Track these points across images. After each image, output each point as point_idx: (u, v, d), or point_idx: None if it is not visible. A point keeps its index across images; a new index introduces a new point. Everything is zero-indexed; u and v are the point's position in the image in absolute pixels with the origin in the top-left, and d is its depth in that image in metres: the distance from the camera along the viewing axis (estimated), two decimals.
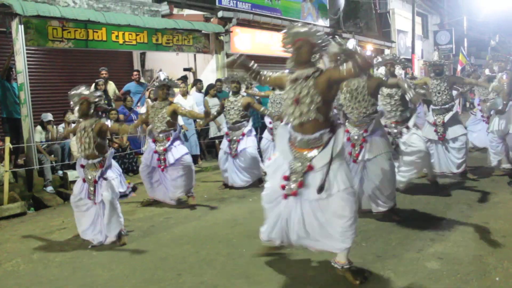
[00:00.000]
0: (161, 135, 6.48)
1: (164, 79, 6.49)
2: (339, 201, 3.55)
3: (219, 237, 5.11)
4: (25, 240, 5.55)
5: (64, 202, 7.53)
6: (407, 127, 6.19)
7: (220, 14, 11.72)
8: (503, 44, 33.35)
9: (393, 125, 6.27)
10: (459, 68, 15.52)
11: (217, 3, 11.87)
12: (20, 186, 7.70)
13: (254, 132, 7.77)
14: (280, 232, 3.88)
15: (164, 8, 11.11)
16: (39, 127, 8.26)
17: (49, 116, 8.30)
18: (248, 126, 7.56)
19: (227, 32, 11.89)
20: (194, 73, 11.60)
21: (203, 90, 10.66)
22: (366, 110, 5.26)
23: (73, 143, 7.99)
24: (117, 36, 9.74)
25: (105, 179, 5.07)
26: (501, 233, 4.73)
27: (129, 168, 9.08)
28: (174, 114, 6.47)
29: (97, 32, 9.38)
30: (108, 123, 5.60)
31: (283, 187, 3.73)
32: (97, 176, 5.09)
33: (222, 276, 4.04)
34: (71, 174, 8.00)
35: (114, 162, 5.40)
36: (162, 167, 6.46)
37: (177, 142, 6.53)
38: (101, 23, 9.14)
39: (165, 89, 6.50)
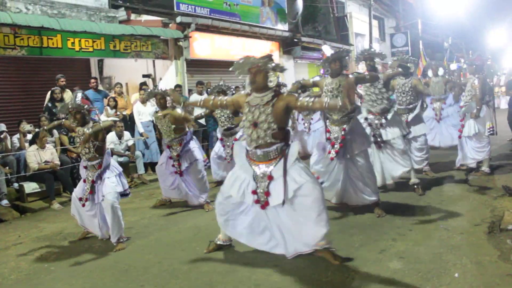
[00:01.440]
0: (173, 142, 6.60)
1: (159, 88, 6.62)
2: (304, 196, 3.87)
3: (182, 245, 5.03)
4: None
5: (21, 216, 7.27)
6: (386, 118, 6.33)
7: (178, 19, 11.62)
8: (455, 46, 34.51)
9: (374, 116, 6.42)
10: (421, 67, 15.84)
11: (175, 9, 11.79)
12: None
13: None
14: (251, 238, 4.27)
15: (122, 14, 10.92)
16: None
17: (2, 127, 7.98)
18: (240, 131, 7.65)
19: (186, 37, 11.81)
20: (154, 80, 11.45)
21: None
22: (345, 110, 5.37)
23: (29, 154, 7.73)
24: (73, 43, 9.52)
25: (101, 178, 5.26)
26: (459, 230, 4.85)
27: None
28: (177, 120, 6.51)
29: (51, 39, 9.16)
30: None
31: (257, 202, 4.03)
32: (95, 176, 5.26)
33: (185, 286, 3.97)
34: (28, 186, 7.74)
35: (113, 162, 5.53)
36: (178, 172, 6.58)
37: (190, 145, 6.65)
38: (56, 29, 8.91)
39: (161, 98, 6.50)
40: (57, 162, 7.92)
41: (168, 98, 6.47)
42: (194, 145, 6.74)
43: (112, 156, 8.54)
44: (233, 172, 4.29)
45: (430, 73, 9.38)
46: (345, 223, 5.36)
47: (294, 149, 3.97)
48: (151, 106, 9.72)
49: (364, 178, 5.52)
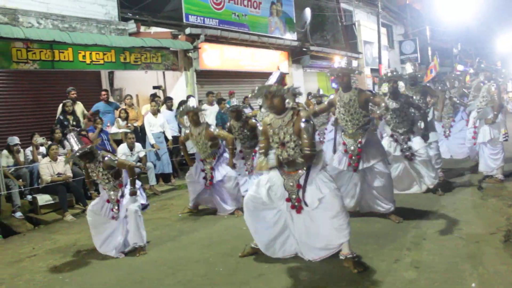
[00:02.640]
0: (208, 156, 6.76)
1: (193, 106, 6.63)
2: (327, 204, 4.14)
3: (195, 257, 5.03)
4: None
5: (34, 228, 7.31)
6: (413, 132, 6.62)
7: (187, 31, 11.71)
8: (465, 52, 34.42)
9: (399, 133, 6.68)
10: (433, 73, 15.72)
11: (184, 20, 11.87)
12: None
13: None
14: (280, 243, 4.57)
15: (131, 26, 11.02)
16: (5, 151, 8.00)
17: (15, 140, 8.06)
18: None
19: (195, 48, 11.87)
20: (164, 91, 11.51)
21: (174, 108, 10.58)
22: (359, 122, 5.56)
23: (42, 167, 7.79)
24: (84, 56, 9.62)
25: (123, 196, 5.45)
26: (474, 238, 4.80)
27: None
28: (213, 136, 6.63)
29: (63, 52, 9.26)
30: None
31: (293, 207, 4.33)
32: (119, 195, 5.43)
33: None
34: (41, 199, 7.79)
35: None
36: (208, 183, 6.75)
37: (222, 159, 6.82)
38: (67, 43, 8.99)
39: (193, 115, 6.57)
40: (70, 174, 7.97)
41: (200, 114, 6.63)
42: (227, 157, 6.86)
43: None
44: (269, 175, 4.48)
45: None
46: (358, 232, 5.29)
47: (320, 158, 4.25)
48: (162, 117, 9.79)
49: (381, 186, 5.61)
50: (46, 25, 9.47)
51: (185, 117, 6.70)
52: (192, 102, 6.54)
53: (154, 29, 11.77)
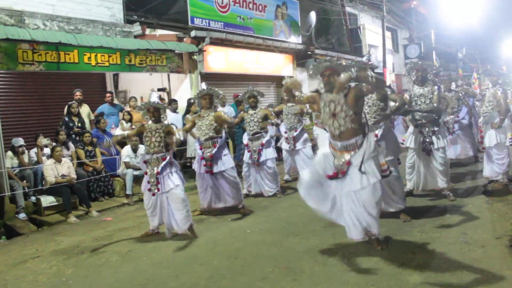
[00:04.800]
0: (208, 142, 6.88)
1: (203, 89, 7.01)
2: (369, 194, 4.45)
3: (199, 259, 5.02)
4: None
5: (38, 229, 7.32)
6: (438, 124, 6.56)
7: (193, 33, 11.72)
8: (470, 56, 34.29)
9: (424, 120, 6.58)
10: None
11: (189, 23, 11.88)
12: None
13: (272, 143, 8.30)
14: (329, 206, 4.80)
15: (137, 28, 11.04)
16: (9, 153, 8.02)
17: (20, 141, 8.08)
18: (267, 136, 8.01)
19: (201, 51, 11.88)
20: (169, 93, 11.53)
21: (178, 110, 10.59)
22: (377, 115, 5.65)
23: (46, 168, 7.80)
24: (89, 58, 9.64)
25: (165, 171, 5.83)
26: (480, 243, 4.76)
27: (105, 191, 8.91)
28: (220, 120, 6.84)
29: (68, 54, 9.28)
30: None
31: (335, 175, 4.60)
32: (160, 168, 5.82)
33: None
34: (45, 200, 7.80)
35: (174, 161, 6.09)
36: (209, 171, 6.86)
37: (224, 152, 6.97)
38: (73, 45, 9.02)
39: (208, 98, 6.88)
40: (74, 175, 7.98)
41: (214, 98, 6.95)
42: (227, 152, 7.04)
43: (127, 169, 8.66)
44: (323, 153, 4.81)
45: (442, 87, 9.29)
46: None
47: (371, 140, 4.52)
48: (168, 119, 9.79)
49: (391, 186, 5.64)
50: (52, 27, 9.49)
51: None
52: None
53: (159, 32, 11.80)
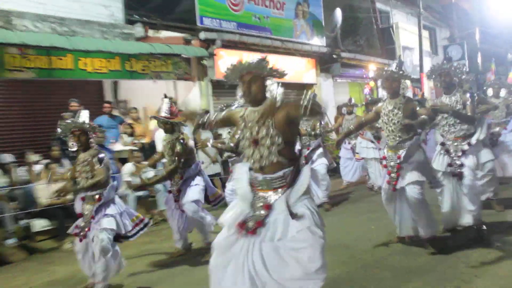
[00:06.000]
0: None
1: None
2: (300, 243, 3.44)
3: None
4: None
5: (29, 257, 7.46)
6: (469, 144, 6.10)
7: (202, 35, 11.87)
8: None
9: (452, 141, 6.21)
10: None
11: (198, 23, 12.01)
12: None
13: None
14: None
15: (138, 30, 11.19)
16: None
17: (8, 158, 8.27)
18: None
19: (211, 55, 12.01)
20: (175, 103, 11.65)
21: (187, 123, 10.69)
22: (402, 134, 5.59)
23: (39, 188, 7.96)
24: (85, 64, 9.80)
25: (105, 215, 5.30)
26: None
27: None
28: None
29: (61, 59, 9.42)
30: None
31: (241, 226, 3.59)
32: (94, 210, 5.30)
33: None
34: (37, 224, 7.94)
35: (117, 199, 5.61)
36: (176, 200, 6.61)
37: (193, 182, 6.58)
38: (67, 49, 9.18)
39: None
40: (69, 196, 8.10)
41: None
42: (198, 183, 6.58)
43: (129, 189, 8.78)
44: (234, 206, 3.86)
45: (490, 91, 9.32)
46: (398, 267, 5.32)
47: (305, 176, 3.63)
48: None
49: (415, 212, 5.66)
50: (43, 29, 9.66)
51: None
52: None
53: (164, 34, 11.92)
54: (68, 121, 5.59)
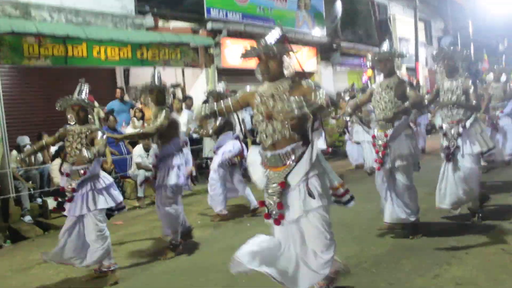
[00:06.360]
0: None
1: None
2: (315, 220, 3.48)
3: (216, 267, 5.02)
4: (1, 278, 5.45)
5: (44, 233, 7.45)
6: (464, 126, 5.73)
7: (209, 25, 11.81)
8: None
9: (450, 124, 5.86)
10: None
11: (205, 14, 11.96)
12: None
13: None
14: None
15: (149, 20, 11.13)
16: (14, 152, 8.18)
17: (26, 140, 8.24)
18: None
19: (217, 44, 11.95)
20: (183, 90, 11.61)
21: (193, 108, 10.67)
22: (391, 113, 5.35)
23: (53, 168, 7.93)
24: (98, 52, 9.78)
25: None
26: None
27: None
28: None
29: (77, 47, 9.41)
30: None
31: (266, 216, 3.60)
32: (77, 184, 4.80)
33: None
34: (51, 202, 7.90)
35: (103, 173, 5.14)
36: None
37: (172, 162, 5.69)
38: (81, 38, 9.16)
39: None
40: None
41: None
42: (177, 162, 5.65)
43: (139, 170, 8.74)
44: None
45: (491, 76, 9.21)
46: (393, 245, 5.29)
47: (314, 148, 3.52)
48: (186, 115, 9.84)
49: (403, 196, 5.42)
50: (59, 19, 9.62)
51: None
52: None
53: (173, 24, 11.88)
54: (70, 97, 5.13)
